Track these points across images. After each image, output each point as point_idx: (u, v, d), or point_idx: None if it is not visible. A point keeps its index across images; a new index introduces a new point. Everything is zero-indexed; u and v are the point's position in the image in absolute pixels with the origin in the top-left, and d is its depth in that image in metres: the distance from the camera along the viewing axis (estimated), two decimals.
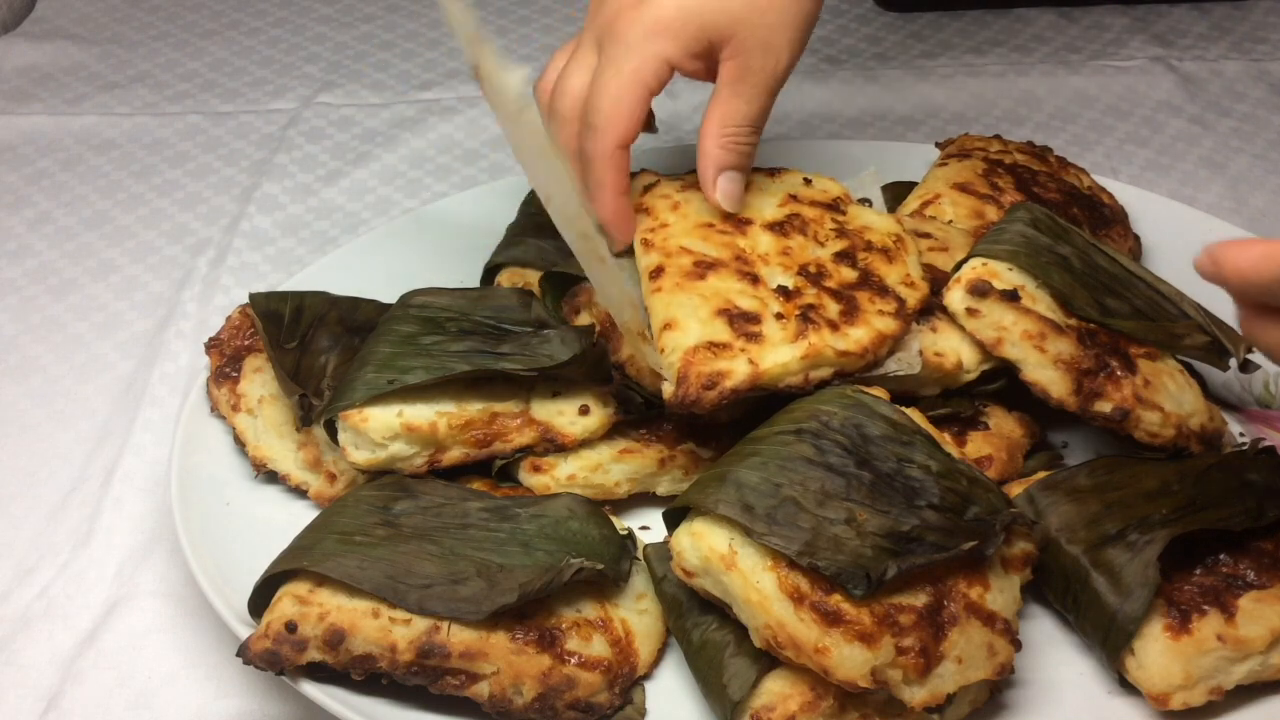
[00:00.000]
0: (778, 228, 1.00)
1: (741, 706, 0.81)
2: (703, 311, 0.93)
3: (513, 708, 0.83)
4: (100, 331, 1.28)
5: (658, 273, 0.96)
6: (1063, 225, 1.03)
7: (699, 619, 0.86)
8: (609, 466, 0.98)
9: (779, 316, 0.93)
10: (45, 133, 1.59)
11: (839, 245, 1.00)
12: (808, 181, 1.06)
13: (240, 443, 1.02)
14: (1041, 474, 0.97)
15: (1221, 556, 0.88)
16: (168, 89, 1.68)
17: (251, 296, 1.07)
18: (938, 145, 1.29)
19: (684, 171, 1.06)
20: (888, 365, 0.94)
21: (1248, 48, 1.69)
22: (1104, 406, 0.95)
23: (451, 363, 0.96)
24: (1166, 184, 1.44)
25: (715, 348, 0.90)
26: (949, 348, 0.97)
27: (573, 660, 0.83)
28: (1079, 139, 1.53)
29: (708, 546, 0.81)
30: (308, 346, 1.03)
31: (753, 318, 0.92)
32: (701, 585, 0.83)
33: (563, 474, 0.98)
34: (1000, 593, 0.83)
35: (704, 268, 0.96)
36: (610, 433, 0.99)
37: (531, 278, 1.13)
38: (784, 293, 0.95)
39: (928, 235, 1.08)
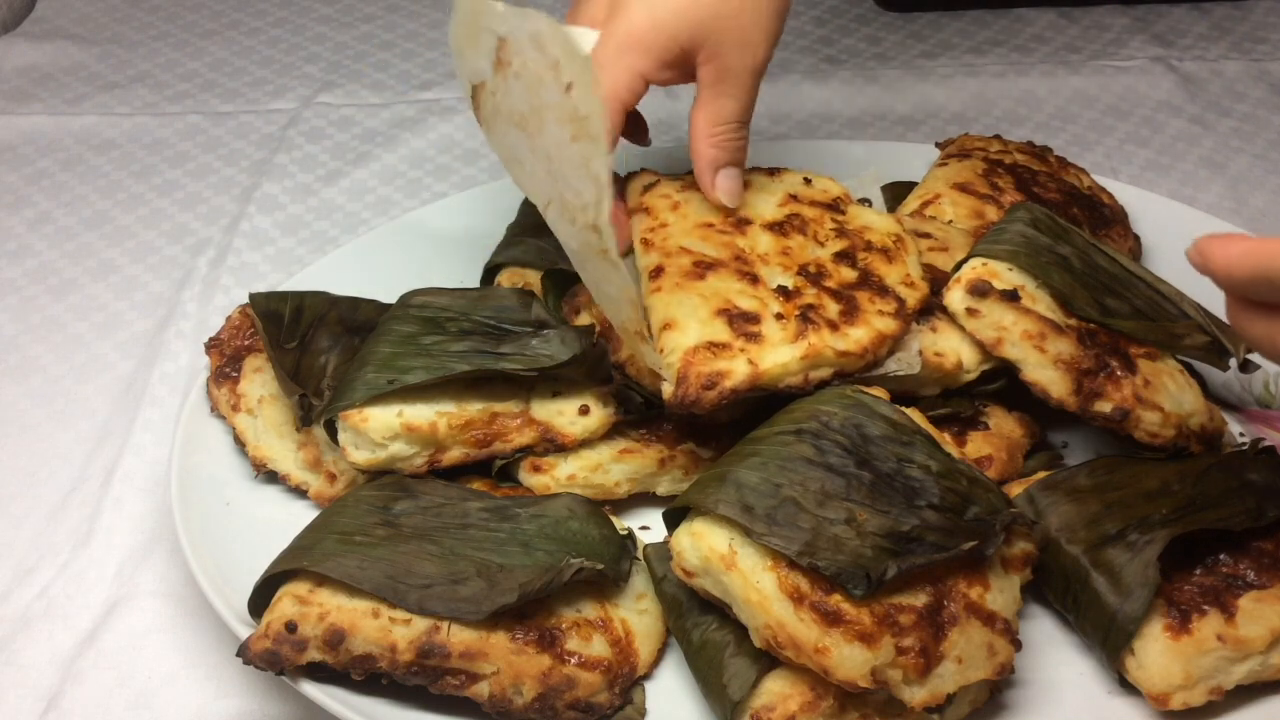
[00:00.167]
0: (777, 228, 1.01)
1: (741, 706, 0.81)
2: (702, 312, 0.93)
3: (513, 708, 0.83)
4: (100, 331, 1.28)
5: (657, 273, 0.96)
6: (1063, 225, 1.03)
7: (699, 619, 0.86)
8: (609, 466, 0.98)
9: (779, 317, 0.93)
10: (45, 133, 1.58)
11: (839, 245, 1.00)
12: (808, 181, 1.06)
13: (240, 443, 1.02)
14: (1041, 474, 0.97)
15: (1221, 556, 0.88)
16: (168, 89, 1.68)
17: (251, 296, 1.07)
18: (938, 145, 1.29)
19: (684, 172, 1.06)
20: (887, 365, 0.94)
21: (1248, 48, 1.69)
22: (1104, 406, 0.95)
23: (451, 363, 0.96)
24: (1166, 184, 1.44)
25: (715, 348, 0.90)
26: (949, 348, 0.97)
27: (573, 660, 0.83)
28: (1079, 139, 1.53)
29: (708, 547, 0.81)
30: (308, 346, 1.03)
31: (752, 318, 0.92)
32: (701, 585, 0.83)
33: (563, 474, 0.98)
34: (1000, 593, 0.83)
35: (703, 268, 0.96)
36: (610, 433, 0.99)
37: (531, 278, 1.13)
38: (784, 293, 0.95)
39: (928, 235, 1.08)
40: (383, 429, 0.93)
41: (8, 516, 1.08)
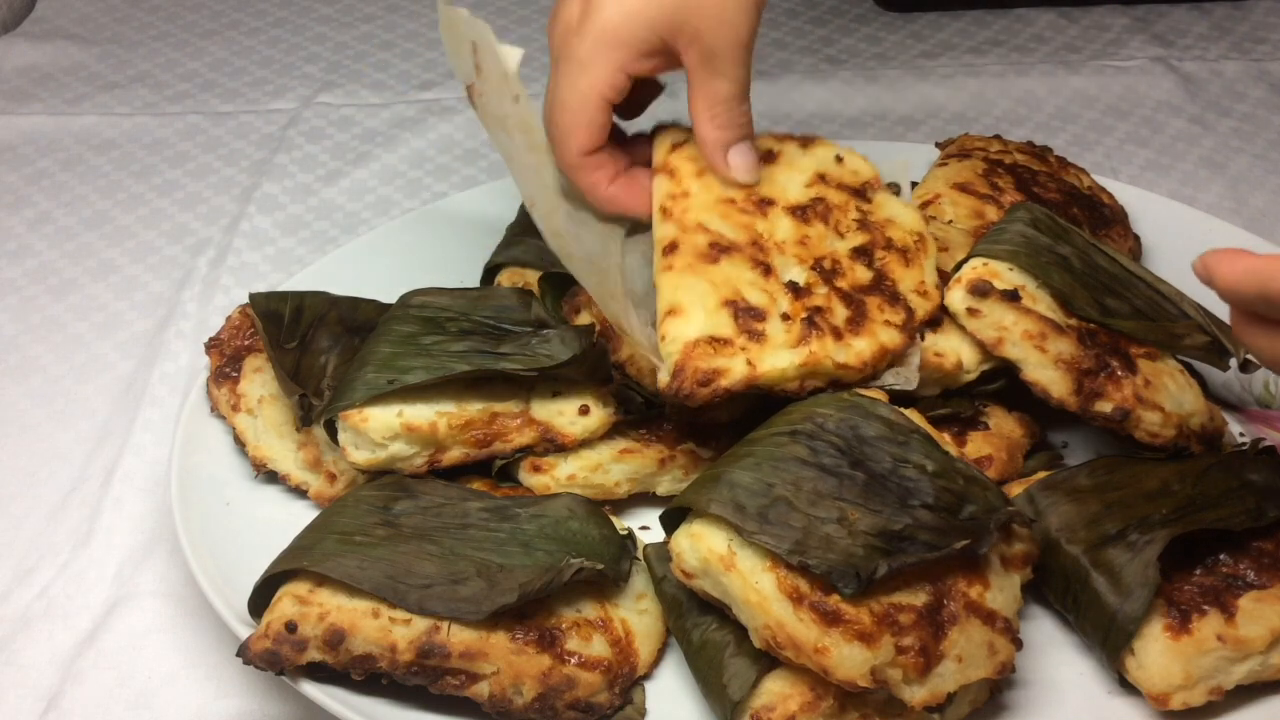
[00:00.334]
0: (800, 213, 0.98)
1: (741, 706, 0.81)
2: (710, 300, 0.92)
3: (513, 708, 0.83)
4: (100, 331, 1.28)
5: (671, 248, 0.94)
6: (1063, 225, 1.03)
7: (699, 619, 0.86)
8: (609, 466, 0.98)
9: (785, 317, 0.92)
10: (45, 133, 1.59)
11: (859, 239, 0.98)
12: (839, 160, 1.03)
13: (240, 443, 1.02)
14: (1041, 474, 0.97)
15: (1221, 556, 0.88)
16: (168, 89, 1.68)
17: (251, 296, 1.07)
18: (938, 145, 1.29)
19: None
20: (885, 378, 0.93)
21: (1248, 48, 1.69)
22: (1104, 406, 0.95)
23: (451, 363, 0.95)
24: (1166, 184, 1.44)
25: (716, 343, 0.90)
26: (949, 348, 0.97)
27: (573, 660, 0.83)
28: (1079, 139, 1.53)
29: (707, 548, 0.81)
30: (308, 346, 1.03)
31: (758, 314, 0.92)
32: (701, 586, 0.83)
33: (563, 474, 0.98)
34: (1000, 592, 0.83)
35: (718, 250, 0.94)
36: (610, 433, 0.99)
37: (531, 278, 1.13)
38: (794, 289, 0.94)
39: None
40: (383, 429, 0.93)
41: (8, 516, 1.08)
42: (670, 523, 0.87)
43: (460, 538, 0.88)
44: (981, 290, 0.95)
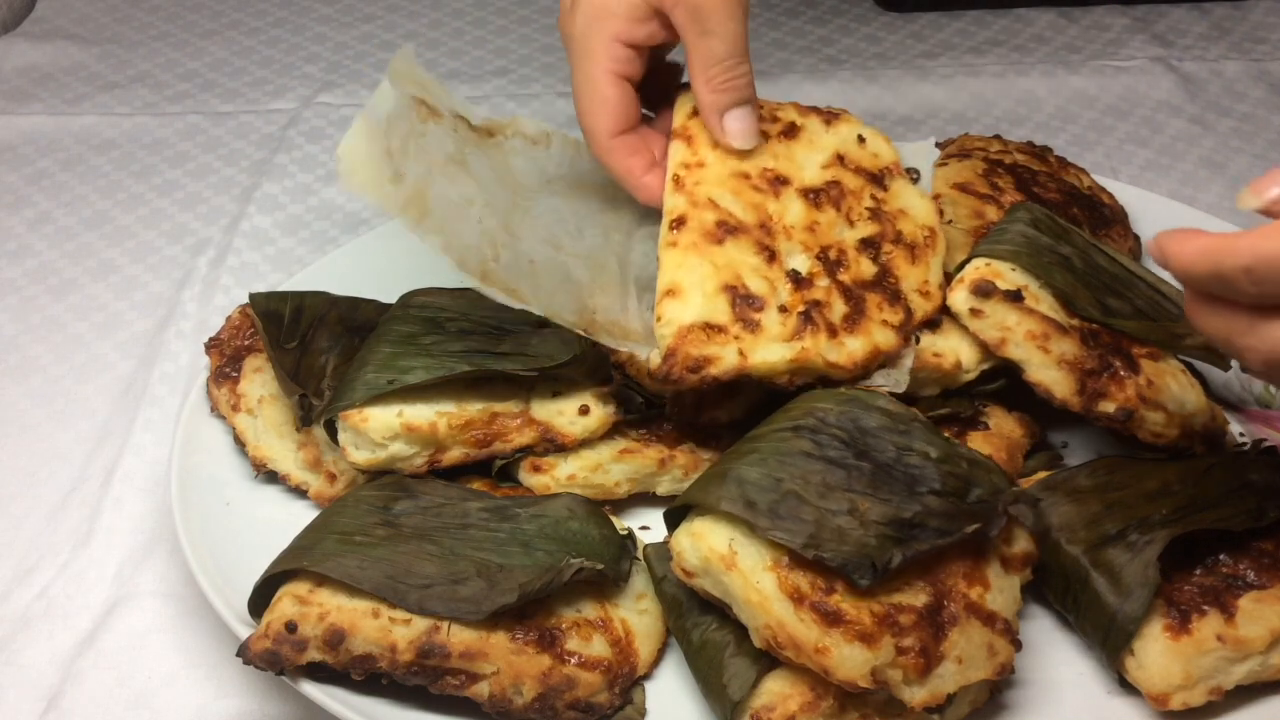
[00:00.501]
0: (813, 196, 0.97)
1: (741, 706, 0.81)
2: (710, 284, 0.91)
3: (513, 708, 0.83)
4: (100, 331, 1.28)
5: (679, 223, 0.94)
6: (1063, 225, 1.03)
7: (699, 619, 0.86)
8: (609, 466, 0.98)
9: (782, 309, 0.92)
10: (45, 133, 1.58)
11: (868, 230, 0.97)
12: (862, 140, 1.02)
13: (240, 443, 1.02)
14: (1041, 474, 0.97)
15: (1221, 556, 0.88)
16: (168, 89, 1.68)
17: (251, 296, 1.07)
18: (938, 145, 1.29)
19: None
20: (875, 378, 0.93)
21: (1248, 48, 1.69)
22: (1108, 407, 0.95)
23: (451, 363, 0.95)
24: (1166, 184, 1.44)
25: (710, 330, 0.90)
26: (948, 348, 0.97)
27: (573, 660, 0.83)
28: (1079, 139, 1.53)
29: (708, 547, 0.81)
30: (308, 346, 1.03)
31: (756, 303, 0.91)
32: (701, 585, 0.83)
33: (563, 474, 0.98)
34: (1000, 593, 0.83)
35: (725, 230, 0.93)
36: (610, 433, 0.99)
37: None
38: (795, 278, 0.93)
39: None
40: (383, 429, 0.93)
41: (8, 516, 1.08)
42: (674, 521, 0.87)
43: (460, 538, 0.88)
44: (984, 291, 0.95)
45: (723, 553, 0.81)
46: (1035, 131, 1.54)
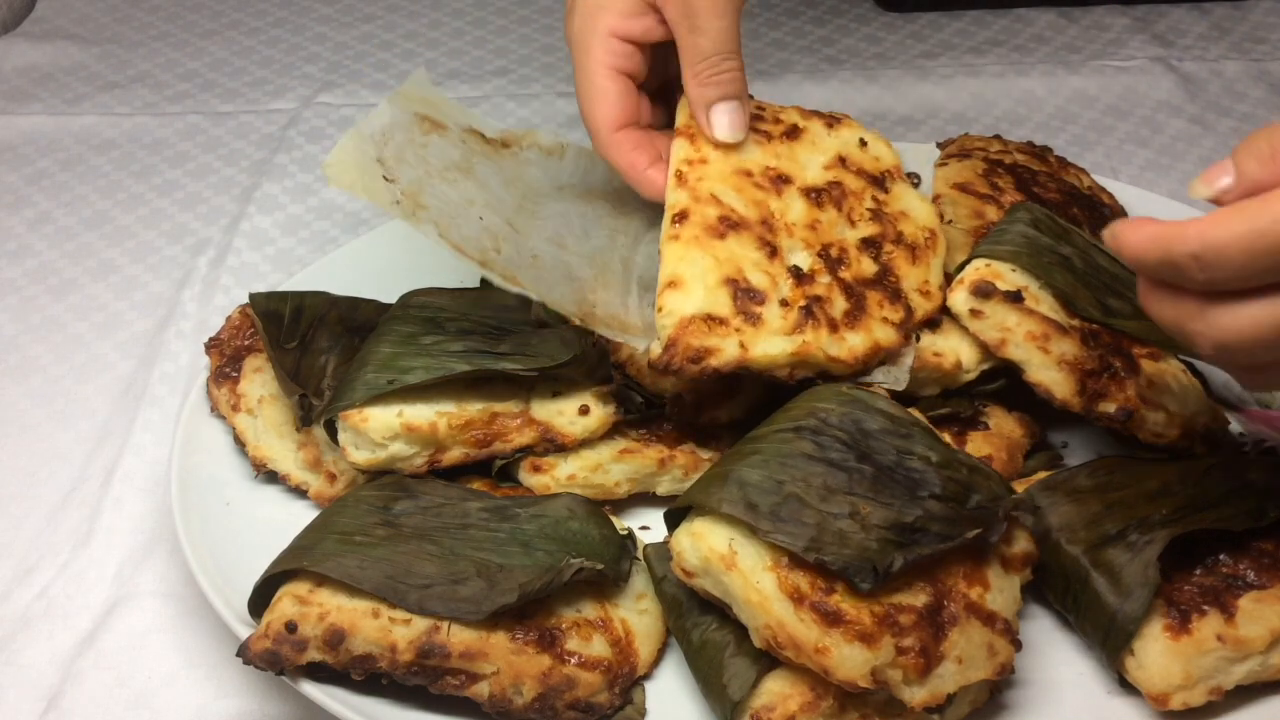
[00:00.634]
0: (814, 195, 0.98)
1: (741, 706, 0.81)
2: (711, 277, 0.91)
3: (513, 708, 0.83)
4: (100, 331, 1.28)
5: (681, 217, 0.94)
6: (1063, 225, 1.03)
7: (699, 619, 0.86)
8: (609, 466, 0.98)
9: (784, 303, 0.92)
10: (45, 133, 1.59)
11: (869, 230, 0.98)
12: (863, 144, 1.02)
13: (240, 443, 1.02)
14: (1041, 474, 0.97)
15: (1221, 556, 0.88)
16: (168, 89, 1.68)
17: (251, 296, 1.07)
18: (938, 145, 1.29)
19: None
20: (875, 375, 0.93)
21: (1248, 48, 1.69)
22: (1108, 407, 0.95)
23: (451, 363, 0.95)
24: (1166, 184, 1.44)
25: (711, 321, 0.90)
26: (948, 348, 0.97)
27: (573, 660, 0.83)
28: (1079, 139, 1.53)
29: (708, 547, 0.81)
30: (308, 346, 1.03)
31: (758, 296, 0.91)
32: (701, 585, 0.83)
33: (563, 474, 0.98)
34: (1000, 593, 0.83)
35: (727, 226, 0.94)
36: (610, 433, 0.99)
37: None
38: (796, 274, 0.94)
39: None
40: (383, 429, 0.93)
41: (8, 516, 1.08)
42: (674, 521, 0.87)
43: (460, 538, 0.88)
44: (984, 291, 0.95)
45: (723, 552, 0.81)
46: (1035, 131, 1.54)
